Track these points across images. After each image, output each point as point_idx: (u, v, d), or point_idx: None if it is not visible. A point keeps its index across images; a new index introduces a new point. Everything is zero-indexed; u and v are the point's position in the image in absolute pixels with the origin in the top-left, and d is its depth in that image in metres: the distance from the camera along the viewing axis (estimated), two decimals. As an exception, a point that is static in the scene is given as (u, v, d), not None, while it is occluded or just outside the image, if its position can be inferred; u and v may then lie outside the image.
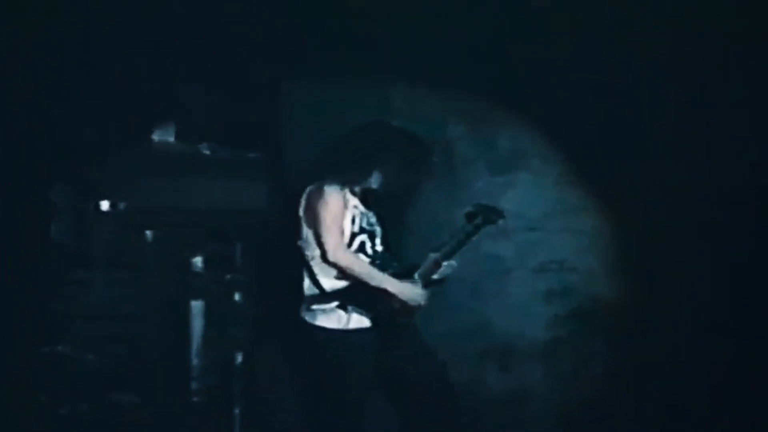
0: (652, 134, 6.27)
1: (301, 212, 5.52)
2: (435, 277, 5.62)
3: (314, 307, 5.41)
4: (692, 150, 6.26)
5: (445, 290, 6.00)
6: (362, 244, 5.48)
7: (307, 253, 5.47)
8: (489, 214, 5.76)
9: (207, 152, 6.07)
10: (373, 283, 5.38)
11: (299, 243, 5.52)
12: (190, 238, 6.14)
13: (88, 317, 5.90)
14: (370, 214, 5.57)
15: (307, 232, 5.47)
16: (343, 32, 6.16)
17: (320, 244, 5.36)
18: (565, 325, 6.48)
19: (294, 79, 6.32)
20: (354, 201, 5.49)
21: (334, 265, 5.35)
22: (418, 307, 5.51)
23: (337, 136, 5.78)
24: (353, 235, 5.46)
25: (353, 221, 5.46)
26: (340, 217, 5.40)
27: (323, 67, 6.26)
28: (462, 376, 6.13)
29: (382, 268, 5.47)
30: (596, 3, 6.03)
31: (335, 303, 5.36)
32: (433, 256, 5.61)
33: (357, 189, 5.52)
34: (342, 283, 5.40)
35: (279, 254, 6.05)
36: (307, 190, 5.51)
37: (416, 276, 5.55)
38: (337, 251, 5.33)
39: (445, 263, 5.62)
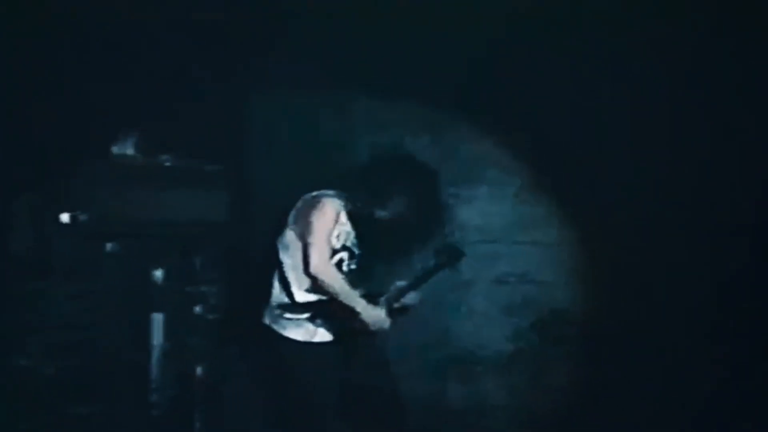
0: (613, 146, 6.31)
1: (291, 216, 5.46)
2: (396, 305, 5.60)
3: (286, 315, 5.38)
4: (652, 162, 6.30)
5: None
6: (340, 261, 5.46)
7: (284, 257, 5.44)
8: (450, 256, 5.74)
9: (167, 164, 6.04)
10: (345, 301, 5.35)
11: (277, 243, 5.48)
12: (150, 250, 6.11)
13: (47, 329, 5.88)
14: (353, 233, 5.56)
15: (290, 237, 5.43)
16: (305, 45, 6.18)
17: (306, 254, 5.30)
18: (526, 337, 6.50)
19: (255, 91, 6.31)
20: (344, 217, 5.47)
21: (313, 277, 5.31)
22: (379, 330, 5.50)
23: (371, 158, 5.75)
24: (334, 251, 5.43)
25: (338, 237, 5.44)
26: (331, 230, 5.37)
27: (285, 79, 6.28)
28: (423, 388, 6.18)
29: (352, 287, 5.46)
30: (556, 15, 6.06)
31: (306, 315, 5.35)
32: (398, 285, 5.61)
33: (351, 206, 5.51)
34: (311, 296, 5.38)
35: (240, 266, 6.05)
36: (305, 196, 5.47)
37: (381, 301, 5.55)
38: (321, 264, 5.29)
39: (409, 294, 5.61)
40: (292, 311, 5.36)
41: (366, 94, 6.45)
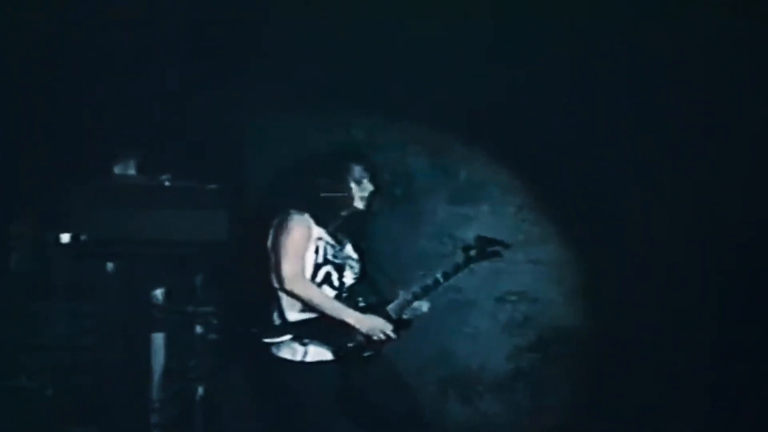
0: (613, 165, 6.32)
1: (269, 241, 5.48)
2: (405, 315, 5.59)
3: (266, 340, 5.38)
4: (653, 181, 6.30)
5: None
6: (328, 276, 5.45)
7: (272, 281, 5.43)
8: (485, 246, 5.70)
9: (168, 184, 6.05)
10: (332, 314, 5.34)
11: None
12: (151, 270, 6.12)
13: (48, 349, 5.89)
14: (341, 246, 5.54)
15: (271, 259, 5.43)
16: (305, 64, 6.19)
17: (277, 272, 5.33)
18: (527, 356, 6.49)
19: (255, 111, 6.31)
20: (319, 232, 5.46)
21: (290, 293, 5.32)
22: (385, 340, 5.48)
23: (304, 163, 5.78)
24: (317, 266, 5.43)
25: (316, 251, 5.43)
26: (303, 246, 5.37)
27: (284, 98, 6.28)
28: (423, 407, 6.13)
29: (351, 300, 5.46)
30: (555, 35, 6.08)
31: (289, 336, 5.34)
32: (406, 293, 5.59)
33: (332, 220, 5.51)
34: (303, 315, 5.37)
35: (240, 286, 6.05)
36: (275, 219, 5.49)
37: (389, 310, 5.54)
38: (294, 280, 5.30)
39: (416, 303, 5.60)
40: (276, 333, 5.36)
41: (365, 115, 6.44)
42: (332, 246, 5.49)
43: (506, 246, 5.75)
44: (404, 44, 6.09)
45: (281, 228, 5.39)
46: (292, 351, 5.34)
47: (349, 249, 5.60)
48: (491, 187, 6.54)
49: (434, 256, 6.34)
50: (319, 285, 5.42)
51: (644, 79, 6.16)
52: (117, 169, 6.05)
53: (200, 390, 6.15)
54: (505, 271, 6.42)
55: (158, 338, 6.14)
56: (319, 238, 5.45)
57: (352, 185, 5.52)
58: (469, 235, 6.25)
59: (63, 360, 5.92)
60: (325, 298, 5.37)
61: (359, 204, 5.54)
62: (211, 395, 6.17)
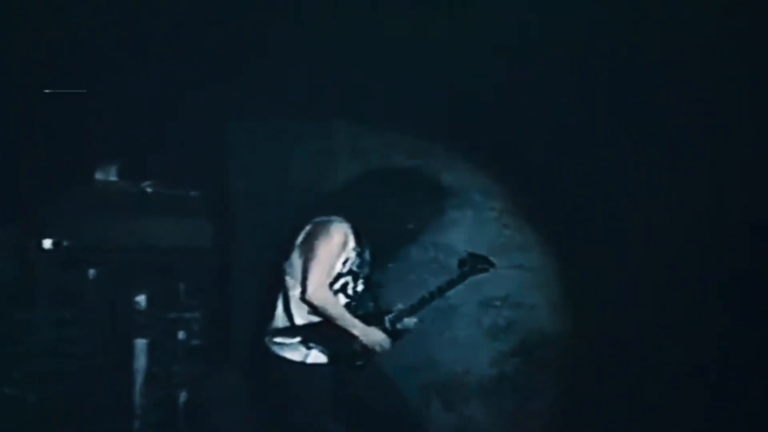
0: (595, 170, 6.30)
1: (298, 240, 5.46)
2: (398, 326, 5.63)
3: (277, 340, 5.38)
4: (636, 186, 6.30)
5: None
6: (345, 285, 5.47)
7: (289, 280, 5.43)
8: (477, 263, 5.80)
9: (150, 190, 6.07)
10: (342, 324, 5.37)
11: (284, 266, 5.49)
12: (133, 277, 6.14)
13: (30, 356, 5.89)
14: (363, 254, 5.56)
15: (296, 261, 5.43)
16: (287, 71, 6.18)
17: (304, 280, 5.32)
18: (510, 361, 6.49)
19: (237, 118, 6.32)
20: (353, 242, 5.47)
21: (309, 303, 5.32)
22: (379, 351, 5.53)
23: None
24: (339, 276, 5.44)
25: (345, 263, 5.44)
26: (336, 256, 5.38)
27: (267, 106, 6.29)
28: (411, 410, 6.15)
29: (357, 308, 5.51)
30: (538, 41, 6.08)
31: (298, 339, 5.35)
32: (404, 305, 5.66)
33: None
34: (312, 318, 5.39)
35: (223, 292, 6.05)
36: (314, 220, 5.48)
37: (387, 320, 5.58)
38: (317, 291, 5.30)
39: (407, 318, 5.64)
40: (284, 335, 5.36)
41: (347, 121, 6.45)
42: (359, 256, 5.51)
43: (493, 265, 5.86)
44: (387, 51, 6.08)
45: (320, 232, 5.40)
46: (295, 352, 5.34)
47: (368, 259, 5.61)
48: (473, 193, 6.54)
49: (417, 263, 6.36)
50: (336, 293, 5.44)
51: (625, 84, 6.15)
52: (98, 175, 6.05)
53: (183, 395, 6.16)
54: (487, 277, 6.40)
55: (141, 344, 6.14)
56: (353, 248, 5.48)
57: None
58: (453, 241, 6.29)
59: (46, 367, 5.92)
60: (340, 308, 5.41)
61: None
62: (194, 401, 6.17)
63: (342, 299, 5.46)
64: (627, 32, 5.88)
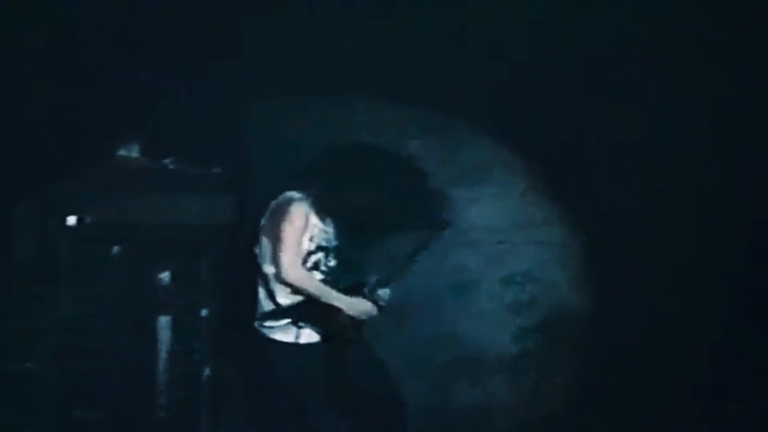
0: (619, 144, 6.30)
1: (262, 222, 5.48)
2: (375, 298, 5.57)
3: (267, 323, 5.40)
4: (658, 161, 6.28)
5: (411, 302, 6.14)
6: (317, 262, 5.46)
7: (263, 265, 5.44)
8: (429, 234, 5.78)
9: (172, 167, 6.05)
10: (326, 300, 5.37)
11: (255, 251, 5.50)
12: (156, 253, 6.13)
13: (53, 333, 5.92)
14: (330, 231, 5.54)
15: (265, 244, 5.45)
16: (308, 49, 6.17)
17: (276, 263, 5.33)
18: (532, 337, 6.48)
19: (259, 95, 6.30)
20: (314, 219, 5.45)
21: (287, 284, 5.33)
22: (366, 321, 5.51)
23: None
24: (309, 254, 5.43)
25: (311, 239, 5.43)
26: (301, 234, 5.37)
27: (288, 82, 6.27)
28: (428, 388, 6.17)
29: (334, 282, 5.48)
30: (562, 15, 6.06)
31: (287, 320, 5.36)
32: (377, 275, 5.61)
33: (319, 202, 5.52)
34: (296, 298, 5.38)
35: (245, 268, 6.04)
36: (273, 202, 5.48)
37: (366, 291, 5.53)
38: (290, 270, 5.30)
39: (379, 290, 5.59)
40: (272, 317, 5.37)
41: (368, 97, 6.43)
42: (325, 231, 5.49)
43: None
44: (407, 25, 6.07)
45: (281, 214, 5.39)
46: (286, 333, 5.36)
47: (335, 233, 5.58)
48: (497, 169, 6.52)
49: (440, 238, 6.33)
50: (309, 270, 5.42)
51: (651, 59, 6.13)
52: (121, 152, 6.05)
53: (206, 371, 6.17)
54: (509, 253, 6.43)
55: (164, 321, 6.14)
56: (315, 225, 5.45)
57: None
58: (475, 217, 6.29)
59: (69, 343, 5.94)
60: (318, 284, 5.40)
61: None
62: (217, 377, 6.18)
63: (318, 276, 5.45)
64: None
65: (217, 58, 6.08)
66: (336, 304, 5.38)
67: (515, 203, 6.52)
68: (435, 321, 6.40)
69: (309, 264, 5.41)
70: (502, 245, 6.45)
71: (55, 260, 5.99)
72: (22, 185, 5.90)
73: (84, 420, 5.94)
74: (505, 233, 6.48)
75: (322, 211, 5.45)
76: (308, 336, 5.36)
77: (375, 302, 5.50)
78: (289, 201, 5.40)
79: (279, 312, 5.36)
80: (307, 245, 5.40)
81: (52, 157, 5.87)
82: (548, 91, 6.24)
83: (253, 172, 6.34)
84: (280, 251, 5.31)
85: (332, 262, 5.52)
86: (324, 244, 5.47)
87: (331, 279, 5.47)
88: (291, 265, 5.30)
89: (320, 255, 5.45)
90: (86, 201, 5.91)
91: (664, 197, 6.25)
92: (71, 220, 5.84)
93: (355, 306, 5.43)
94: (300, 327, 5.35)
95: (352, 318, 5.42)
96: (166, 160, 6.07)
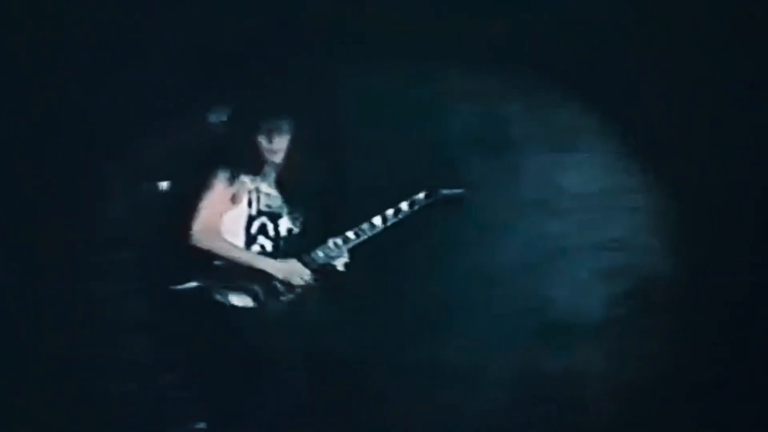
0: (715, 110, 6.19)
1: None
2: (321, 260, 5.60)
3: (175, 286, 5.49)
4: (754, 129, 6.17)
5: (502, 269, 6.19)
6: (263, 227, 5.54)
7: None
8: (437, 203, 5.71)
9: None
10: (245, 263, 5.42)
11: None
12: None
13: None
14: (280, 196, 5.60)
15: None
16: (399, 14, 6.13)
17: (187, 227, 5.44)
18: (624, 304, 6.40)
19: (352, 63, 6.30)
20: (253, 184, 5.53)
21: (195, 248, 5.38)
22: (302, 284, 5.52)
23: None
24: (251, 218, 5.51)
25: (250, 204, 5.51)
26: (220, 201, 5.45)
27: (380, 49, 6.25)
28: (519, 355, 6.15)
29: (287, 250, 5.51)
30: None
31: (194, 283, 5.44)
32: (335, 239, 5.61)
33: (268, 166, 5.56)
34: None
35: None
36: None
37: (312, 255, 5.55)
38: (198, 234, 5.40)
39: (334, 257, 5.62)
40: (183, 280, 5.49)
41: (457, 63, 6.37)
42: (268, 196, 5.54)
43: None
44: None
45: (206, 185, 5.50)
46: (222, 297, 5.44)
47: (288, 198, 5.63)
48: (588, 133, 6.44)
49: (532, 204, 6.30)
50: (255, 236, 5.51)
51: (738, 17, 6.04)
52: (211, 117, 6.05)
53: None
54: (602, 219, 6.37)
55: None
56: (256, 189, 5.52)
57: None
58: (565, 183, 6.24)
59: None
60: (233, 248, 5.44)
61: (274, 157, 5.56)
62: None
63: (266, 242, 5.52)
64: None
65: (310, 26, 6.06)
66: (258, 266, 5.41)
67: (608, 168, 6.44)
68: (526, 289, 6.34)
69: (254, 229, 5.49)
70: (594, 211, 6.37)
71: (144, 224, 6.02)
72: (111, 147, 5.92)
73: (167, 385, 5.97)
74: (596, 199, 6.40)
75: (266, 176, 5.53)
76: (239, 301, 5.45)
77: (306, 264, 5.50)
78: (215, 171, 5.50)
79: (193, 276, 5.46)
80: (247, 210, 5.49)
81: (141, 121, 5.92)
82: (646, 56, 6.17)
83: (346, 138, 6.31)
84: (193, 217, 5.42)
85: (282, 228, 5.56)
86: (266, 209, 5.53)
87: (284, 246, 5.51)
88: (197, 230, 5.39)
89: (264, 219, 5.52)
90: (173, 166, 6.04)
91: (764, 167, 6.13)
92: (164, 185, 5.89)
93: (280, 268, 5.44)
94: (222, 293, 5.41)
95: (281, 281, 5.43)
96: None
